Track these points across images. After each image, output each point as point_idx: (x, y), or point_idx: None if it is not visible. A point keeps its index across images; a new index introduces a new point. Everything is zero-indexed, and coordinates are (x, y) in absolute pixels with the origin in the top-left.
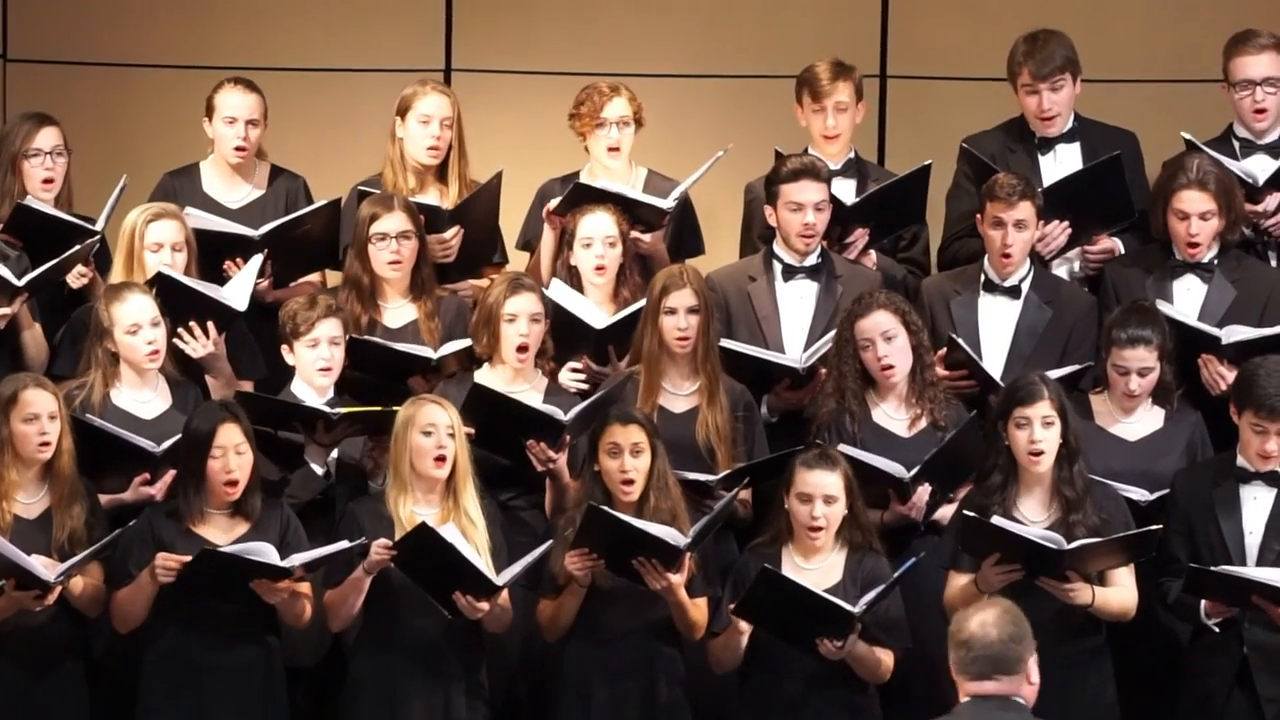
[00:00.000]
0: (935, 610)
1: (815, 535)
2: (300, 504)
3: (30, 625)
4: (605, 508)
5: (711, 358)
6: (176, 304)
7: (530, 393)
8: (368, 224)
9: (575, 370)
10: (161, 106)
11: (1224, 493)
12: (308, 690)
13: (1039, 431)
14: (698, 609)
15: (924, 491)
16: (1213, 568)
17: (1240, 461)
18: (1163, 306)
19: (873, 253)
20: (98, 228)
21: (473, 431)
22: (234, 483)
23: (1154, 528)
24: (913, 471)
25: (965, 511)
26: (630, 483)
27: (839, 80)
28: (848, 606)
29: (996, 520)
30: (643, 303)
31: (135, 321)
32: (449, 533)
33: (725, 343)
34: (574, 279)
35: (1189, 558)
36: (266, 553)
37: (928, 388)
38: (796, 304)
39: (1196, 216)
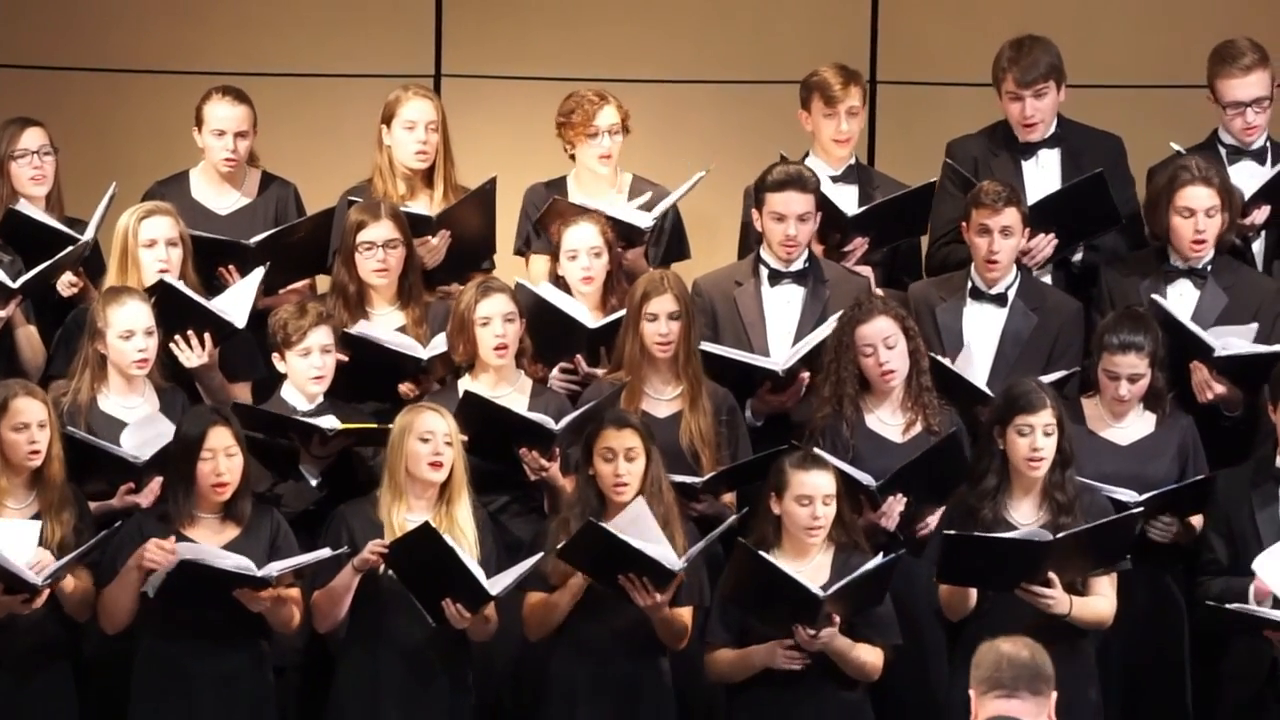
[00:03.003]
0: (926, 612)
1: (814, 535)
2: (294, 514)
3: (19, 627)
4: (603, 524)
5: (693, 362)
6: (175, 312)
7: (515, 396)
8: (355, 232)
9: (566, 370)
10: (152, 112)
11: (1262, 494)
12: (295, 692)
13: (1040, 439)
14: (681, 619)
15: (895, 503)
16: (1229, 605)
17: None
18: (1167, 306)
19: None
20: (88, 236)
21: (465, 439)
22: (223, 485)
23: (1133, 511)
24: (879, 482)
25: (946, 531)
26: (623, 487)
27: (851, 85)
28: (814, 589)
29: (978, 533)
30: None
31: (129, 328)
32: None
33: (706, 346)
34: (562, 289)
35: (1228, 557)
36: (246, 563)
37: (923, 393)
38: (783, 309)
39: (1203, 212)
